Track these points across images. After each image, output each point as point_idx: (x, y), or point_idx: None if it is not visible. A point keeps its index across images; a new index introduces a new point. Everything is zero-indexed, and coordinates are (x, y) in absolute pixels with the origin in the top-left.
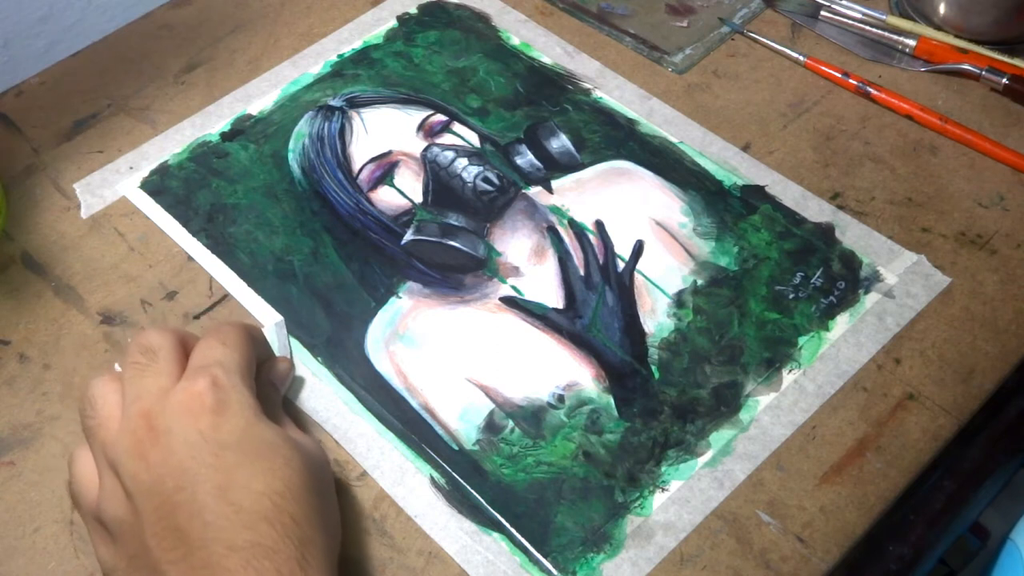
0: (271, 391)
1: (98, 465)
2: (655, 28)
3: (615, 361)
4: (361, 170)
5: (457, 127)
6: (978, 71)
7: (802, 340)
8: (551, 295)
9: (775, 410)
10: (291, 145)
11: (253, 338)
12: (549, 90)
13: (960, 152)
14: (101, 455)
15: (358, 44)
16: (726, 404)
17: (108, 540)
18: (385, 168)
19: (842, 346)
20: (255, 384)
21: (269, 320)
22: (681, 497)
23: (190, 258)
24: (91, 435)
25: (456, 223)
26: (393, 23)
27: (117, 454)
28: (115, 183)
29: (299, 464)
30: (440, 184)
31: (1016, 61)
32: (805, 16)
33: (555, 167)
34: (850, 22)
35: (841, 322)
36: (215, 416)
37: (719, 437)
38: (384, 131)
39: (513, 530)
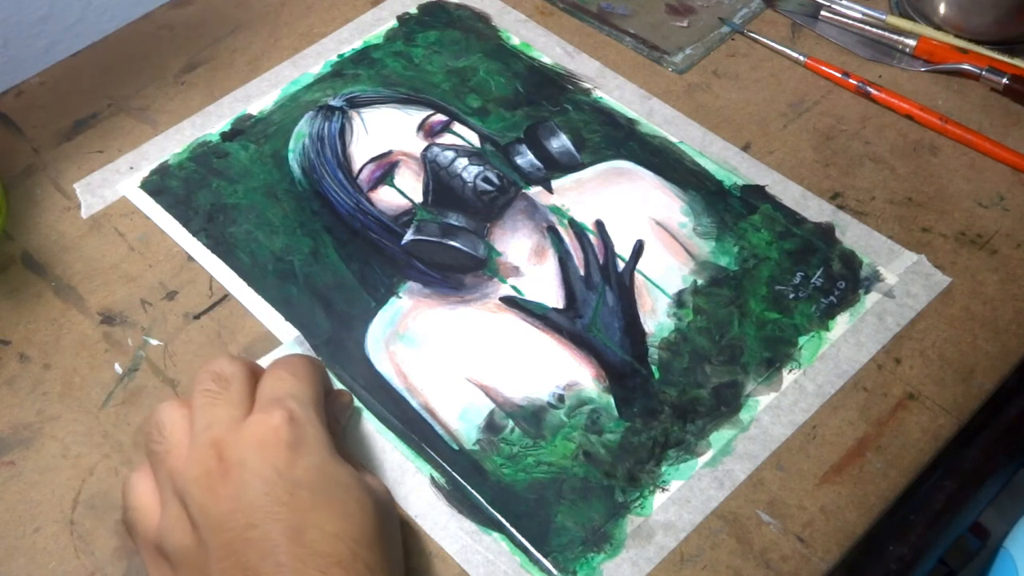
0: (335, 426)
1: (162, 492)
2: (655, 28)
3: (615, 361)
4: (361, 170)
5: (457, 127)
6: (978, 71)
7: (802, 340)
8: (551, 295)
9: (775, 410)
10: (291, 145)
11: (319, 370)
12: (549, 90)
13: (960, 152)
14: (167, 482)
15: (358, 44)
16: (726, 404)
17: (167, 570)
18: (385, 168)
19: (842, 346)
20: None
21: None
22: (681, 497)
23: (190, 258)
24: (157, 461)
25: (456, 223)
26: (393, 23)
27: (185, 483)
28: (115, 183)
29: (372, 508)
30: (440, 184)
31: (1016, 61)
32: (805, 16)
33: (555, 167)
34: (850, 22)
35: (841, 322)
36: (291, 452)
37: (719, 437)
38: (384, 131)
39: (513, 530)
